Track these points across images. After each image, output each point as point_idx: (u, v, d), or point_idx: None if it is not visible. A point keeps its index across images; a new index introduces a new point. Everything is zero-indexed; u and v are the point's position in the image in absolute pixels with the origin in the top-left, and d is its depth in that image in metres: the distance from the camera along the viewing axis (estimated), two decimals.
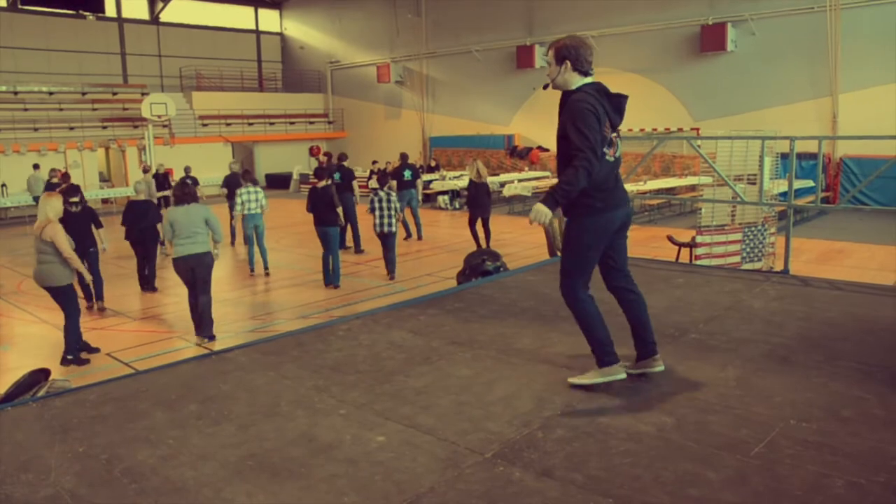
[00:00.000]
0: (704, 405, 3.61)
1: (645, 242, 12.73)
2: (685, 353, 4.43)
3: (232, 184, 13.61)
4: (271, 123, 29.02)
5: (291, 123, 29.67)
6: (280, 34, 33.10)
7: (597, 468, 3.00)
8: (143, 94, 25.16)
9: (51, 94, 24.04)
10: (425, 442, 3.29)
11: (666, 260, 8.15)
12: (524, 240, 13.47)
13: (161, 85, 28.26)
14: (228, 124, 27.65)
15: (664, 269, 6.99)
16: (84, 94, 24.93)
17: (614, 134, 3.91)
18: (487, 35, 24.84)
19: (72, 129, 23.52)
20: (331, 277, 10.30)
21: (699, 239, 9.02)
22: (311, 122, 30.60)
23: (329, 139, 30.79)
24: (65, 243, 6.90)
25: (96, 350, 7.54)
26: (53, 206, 7.02)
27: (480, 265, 7.84)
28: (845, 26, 17.45)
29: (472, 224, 12.45)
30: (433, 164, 25.01)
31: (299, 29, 32.39)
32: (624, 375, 3.85)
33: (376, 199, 10.62)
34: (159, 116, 23.06)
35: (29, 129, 22.70)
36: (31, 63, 25.15)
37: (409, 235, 14.57)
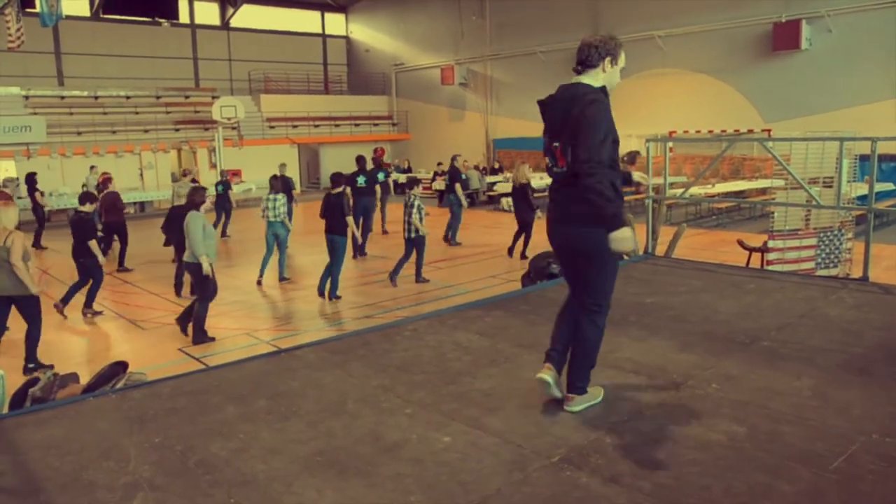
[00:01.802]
0: (777, 415, 3.51)
1: (713, 247, 12.43)
2: (756, 361, 4.31)
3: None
4: (337, 125, 29.46)
5: (356, 125, 30.06)
6: (346, 37, 33.58)
7: (665, 476, 2.94)
8: (213, 97, 25.89)
9: (127, 97, 24.96)
10: (491, 444, 3.29)
11: (736, 265, 7.94)
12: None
13: (231, 88, 29.03)
14: (295, 126, 28.20)
15: (735, 275, 6.83)
16: (158, 97, 25.80)
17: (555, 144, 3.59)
18: (551, 36, 24.66)
19: (146, 131, 24.36)
20: (323, 287, 9.87)
21: (771, 244, 8.76)
22: (376, 124, 30.94)
23: (393, 141, 31.09)
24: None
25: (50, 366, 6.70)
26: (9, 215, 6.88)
27: (545, 268, 7.79)
28: None
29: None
30: (497, 165, 24.99)
31: (364, 32, 32.81)
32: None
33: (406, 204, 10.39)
34: (229, 119, 23.68)
35: (108, 132, 23.62)
36: (109, 68, 26.18)
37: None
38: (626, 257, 7.70)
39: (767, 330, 4.90)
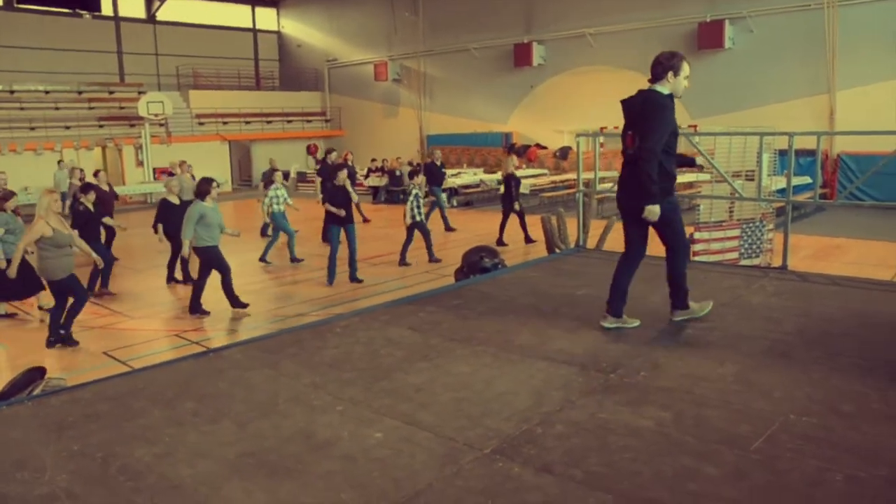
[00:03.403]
0: (703, 400, 3.60)
1: None
2: (683, 348, 4.43)
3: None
4: (268, 122, 28.97)
5: (289, 122, 29.63)
6: (277, 32, 33.04)
7: (596, 464, 2.98)
8: (139, 92, 25.12)
9: (47, 92, 23.97)
10: (424, 438, 3.27)
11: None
12: (521, 237, 13.43)
13: (158, 84, 28.19)
14: (225, 123, 27.60)
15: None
16: (80, 92, 24.87)
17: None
18: (485, 33, 24.82)
19: (68, 128, 23.45)
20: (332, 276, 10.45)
21: (697, 235, 9.00)
22: (309, 121, 30.55)
23: (326, 137, 30.73)
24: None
25: (75, 343, 7.68)
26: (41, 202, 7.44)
27: (478, 262, 7.82)
28: (842, 23, 17.46)
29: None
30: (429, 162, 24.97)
31: (296, 27, 32.34)
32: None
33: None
34: (156, 115, 23.04)
35: (25, 128, 22.64)
36: (27, 62, 25.08)
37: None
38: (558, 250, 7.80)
39: (694, 318, 5.02)
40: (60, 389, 4.23)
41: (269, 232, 13.39)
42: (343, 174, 10.52)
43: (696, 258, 8.71)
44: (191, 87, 28.52)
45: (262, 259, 12.16)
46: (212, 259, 8.69)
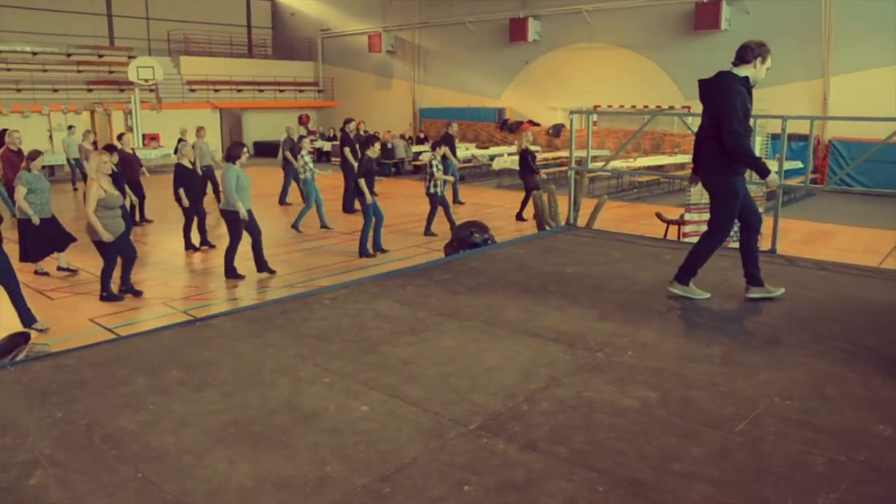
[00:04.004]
0: (689, 381, 3.61)
1: (633, 219, 12.72)
2: (671, 329, 4.44)
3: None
4: (260, 90, 28.64)
5: (281, 91, 29.30)
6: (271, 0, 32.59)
7: (581, 441, 2.99)
8: (129, 57, 24.71)
9: (34, 54, 23.56)
10: (410, 412, 3.27)
11: (654, 237, 8.13)
12: (512, 213, 13.41)
13: (148, 48, 27.77)
14: (217, 90, 27.26)
15: (653, 246, 6.99)
16: (69, 55, 24.44)
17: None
18: (480, 6, 24.55)
19: (56, 91, 23.09)
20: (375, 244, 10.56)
21: (687, 217, 9.01)
22: (301, 91, 30.22)
23: (319, 108, 30.48)
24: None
25: (139, 293, 8.27)
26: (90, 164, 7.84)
27: (468, 237, 7.80)
28: (839, 8, 17.36)
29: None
30: (422, 135, 24.84)
31: None
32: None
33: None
34: (146, 80, 22.72)
35: (12, 89, 22.29)
36: (13, 22, 24.59)
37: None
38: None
39: (682, 299, 5.03)
40: (44, 355, 4.20)
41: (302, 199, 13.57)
42: (378, 146, 10.83)
43: (686, 239, 8.73)
44: (182, 52, 28.10)
45: (296, 227, 12.23)
46: (233, 224, 8.83)
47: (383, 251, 10.50)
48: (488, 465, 2.81)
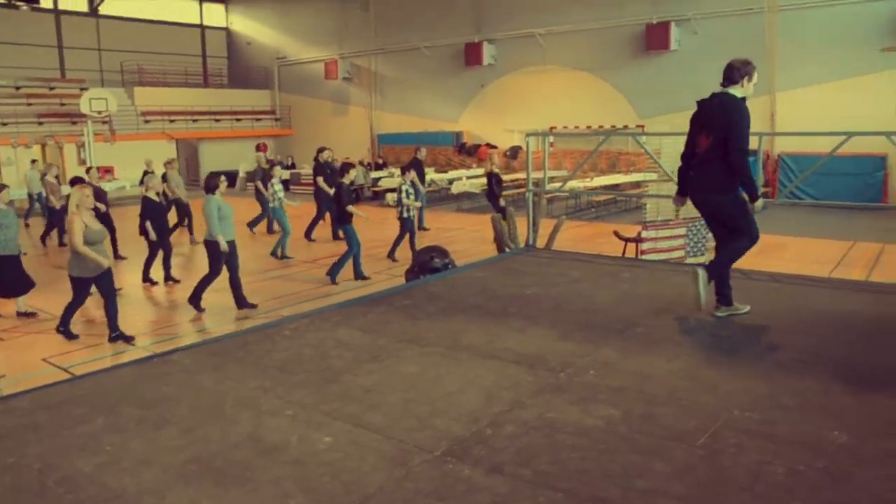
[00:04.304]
0: (651, 397, 3.65)
1: (592, 238, 12.87)
2: (632, 346, 4.48)
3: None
4: (217, 120, 28.43)
5: (238, 120, 29.13)
6: (226, 29, 32.46)
7: (546, 463, 3.00)
8: (81, 88, 24.36)
9: None
10: (373, 441, 3.25)
11: (612, 255, 8.24)
12: (472, 237, 13.48)
13: (101, 80, 27.41)
14: (172, 121, 26.99)
15: (611, 265, 7.08)
16: (18, 87, 24.02)
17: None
18: (436, 32, 24.81)
19: (4, 124, 22.63)
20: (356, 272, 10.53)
21: (645, 234, 9.16)
22: (258, 119, 30.09)
23: (276, 136, 30.34)
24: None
25: (131, 338, 7.80)
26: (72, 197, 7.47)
27: (428, 262, 7.82)
28: (782, 27, 17.94)
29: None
30: (380, 161, 24.89)
31: (246, 24, 31.83)
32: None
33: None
34: (99, 112, 22.39)
35: None
36: None
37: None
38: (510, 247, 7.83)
39: (642, 316, 5.11)
40: None
41: (276, 228, 13.80)
42: (353, 172, 11.03)
43: (645, 256, 8.87)
44: (136, 83, 27.80)
45: (275, 254, 12.25)
46: (214, 256, 8.67)
47: (364, 278, 10.38)
48: (454, 492, 2.80)
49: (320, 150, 15.00)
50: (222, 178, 8.93)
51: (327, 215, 14.07)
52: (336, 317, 5.35)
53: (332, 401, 3.73)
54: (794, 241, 12.60)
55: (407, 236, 11.69)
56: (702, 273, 5.00)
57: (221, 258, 8.69)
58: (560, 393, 3.74)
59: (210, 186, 8.79)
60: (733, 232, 5.09)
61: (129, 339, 7.72)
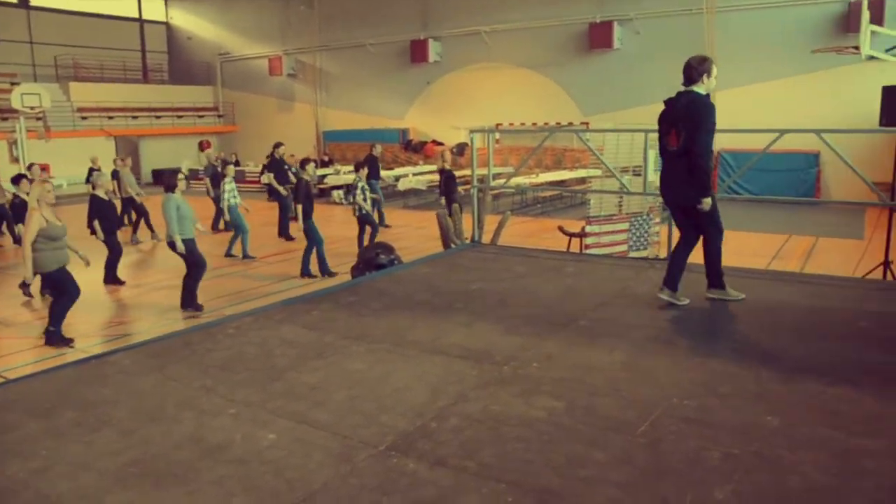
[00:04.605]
0: (593, 389, 3.72)
1: (537, 234, 13.02)
2: (575, 339, 4.56)
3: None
4: (157, 117, 27.78)
5: (179, 117, 28.50)
6: (165, 23, 31.71)
7: (490, 455, 3.03)
8: (12, 83, 23.49)
9: None
10: (318, 437, 3.24)
11: (557, 250, 8.35)
12: (419, 233, 13.50)
13: (34, 74, 26.47)
14: (111, 117, 26.25)
15: (555, 259, 7.17)
16: None
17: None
18: (381, 29, 24.72)
19: None
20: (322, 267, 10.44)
21: (588, 229, 9.30)
22: (201, 116, 29.50)
23: (219, 133, 29.81)
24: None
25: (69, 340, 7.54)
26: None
27: (374, 259, 7.80)
28: (720, 28, 18.42)
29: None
30: (326, 158, 24.68)
31: (186, 19, 31.15)
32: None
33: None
34: (32, 108, 21.63)
35: None
36: None
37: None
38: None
39: (585, 310, 5.19)
40: None
41: (221, 226, 13.70)
42: (311, 167, 10.84)
43: (589, 251, 9.02)
44: (71, 78, 26.94)
45: (229, 254, 12.02)
46: (187, 253, 8.54)
47: (331, 274, 10.26)
48: (399, 485, 2.81)
49: (277, 146, 14.81)
50: (180, 175, 8.81)
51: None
52: (280, 314, 5.29)
53: (277, 399, 3.70)
54: (734, 234, 12.82)
55: (368, 230, 11.61)
56: (665, 295, 5.22)
57: (195, 251, 8.62)
58: (504, 386, 3.78)
59: (169, 185, 8.68)
60: (702, 230, 5.22)
61: (68, 342, 7.48)
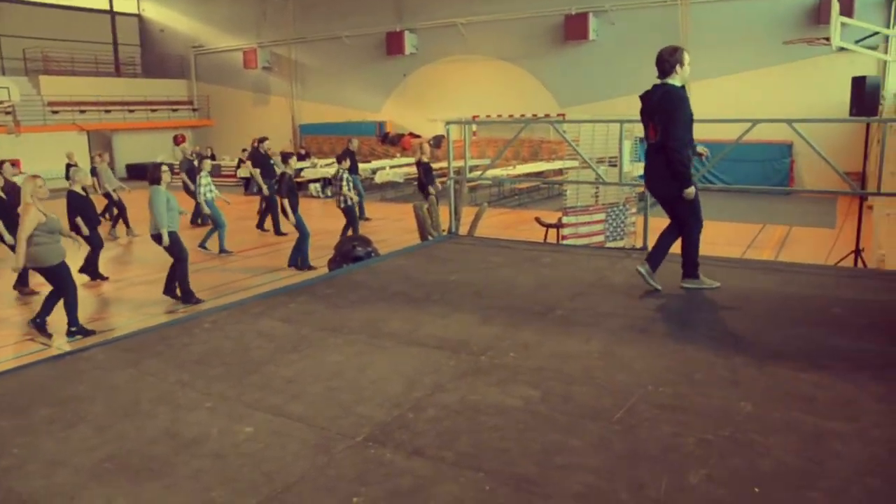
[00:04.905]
0: (569, 377, 3.75)
1: (514, 225, 13.06)
2: (552, 328, 4.59)
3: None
4: (131, 111, 27.43)
5: (153, 111, 28.18)
6: (138, 15, 31.29)
7: (467, 444, 3.04)
8: None
9: None
10: (295, 430, 3.23)
11: (534, 241, 8.39)
12: (396, 226, 13.48)
13: (1, 67, 26.02)
14: (83, 111, 25.89)
15: (533, 250, 7.20)
16: None
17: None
18: (357, 20, 24.58)
19: None
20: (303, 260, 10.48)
21: (565, 220, 9.34)
22: (175, 110, 29.18)
23: (194, 127, 29.51)
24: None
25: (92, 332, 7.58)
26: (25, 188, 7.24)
27: (351, 251, 7.78)
28: (694, 19, 18.55)
29: None
30: (303, 151, 24.54)
31: (159, 11, 30.76)
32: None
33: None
34: (1, 102, 21.29)
35: None
36: None
37: None
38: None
39: (561, 299, 5.22)
40: None
41: (199, 220, 13.69)
42: (294, 161, 10.90)
43: (565, 241, 9.06)
44: (41, 72, 26.50)
45: (203, 246, 11.90)
46: (172, 245, 8.56)
47: (311, 268, 10.25)
48: (376, 476, 2.82)
49: (261, 140, 14.70)
50: (164, 168, 8.79)
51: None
52: (257, 308, 5.27)
53: (253, 392, 3.68)
54: (709, 224, 12.90)
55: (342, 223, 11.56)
56: (643, 269, 5.32)
57: (180, 242, 8.65)
58: (481, 376, 3.80)
59: (154, 178, 8.67)
60: (680, 220, 5.32)
61: (88, 333, 7.56)
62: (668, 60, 5.05)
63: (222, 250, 11.79)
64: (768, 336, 4.32)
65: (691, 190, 5.11)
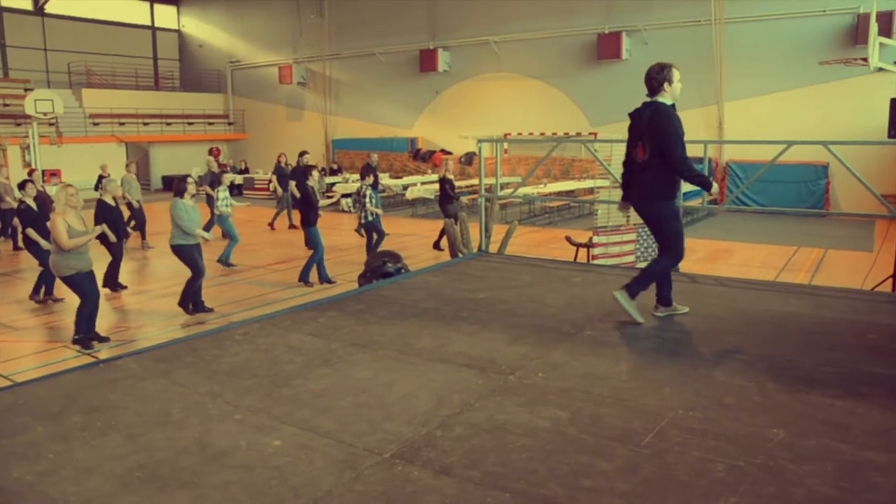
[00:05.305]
0: (598, 399, 3.72)
1: (545, 244, 13.02)
2: (581, 349, 4.56)
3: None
4: (168, 124, 27.97)
5: (190, 124, 28.69)
6: (178, 31, 31.97)
7: (494, 464, 3.03)
8: (26, 89, 23.72)
9: None
10: (323, 445, 3.24)
11: (565, 260, 8.35)
12: (426, 242, 13.51)
13: (47, 81, 26.74)
14: (122, 124, 26.46)
15: (563, 269, 7.18)
16: None
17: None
18: (391, 38, 24.84)
19: None
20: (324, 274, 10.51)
21: (596, 239, 9.30)
22: (211, 123, 29.68)
23: (229, 141, 29.98)
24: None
25: (106, 339, 7.78)
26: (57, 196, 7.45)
27: (381, 267, 7.82)
28: (728, 39, 18.42)
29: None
30: (335, 166, 24.78)
31: (198, 26, 31.40)
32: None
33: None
34: (45, 114, 21.82)
35: None
36: None
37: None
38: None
39: (591, 320, 5.19)
40: None
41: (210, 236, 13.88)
42: (316, 174, 11.13)
43: (596, 261, 9.01)
44: (84, 85, 27.17)
45: (221, 260, 11.87)
46: (189, 258, 8.66)
47: (330, 283, 10.33)
48: (403, 493, 2.81)
49: (301, 154, 15.23)
50: (189, 180, 8.91)
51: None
52: (287, 321, 5.31)
53: (282, 405, 3.71)
54: (742, 246, 12.94)
55: (375, 237, 11.60)
56: (620, 295, 5.06)
57: (195, 257, 8.69)
58: (509, 395, 3.78)
59: (178, 190, 8.80)
60: (660, 244, 5.21)
61: (103, 339, 7.72)
62: (655, 78, 5.00)
63: (227, 262, 11.78)
64: (802, 361, 4.25)
65: (716, 187, 5.12)
